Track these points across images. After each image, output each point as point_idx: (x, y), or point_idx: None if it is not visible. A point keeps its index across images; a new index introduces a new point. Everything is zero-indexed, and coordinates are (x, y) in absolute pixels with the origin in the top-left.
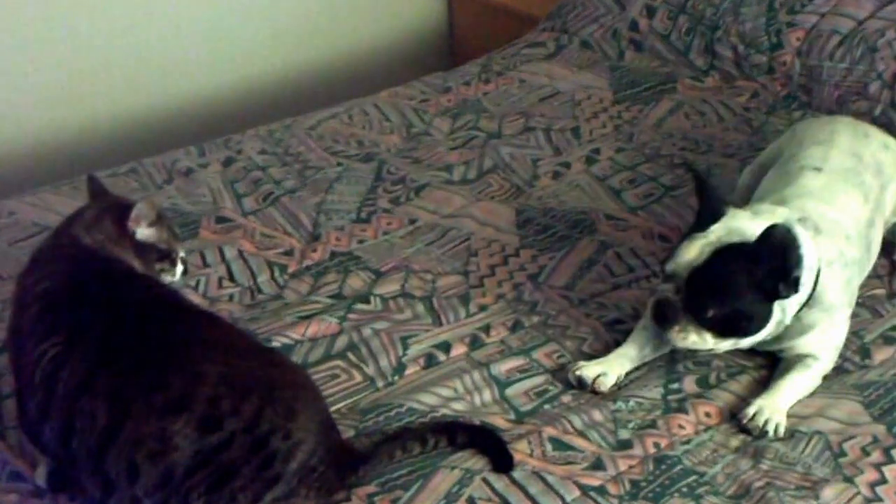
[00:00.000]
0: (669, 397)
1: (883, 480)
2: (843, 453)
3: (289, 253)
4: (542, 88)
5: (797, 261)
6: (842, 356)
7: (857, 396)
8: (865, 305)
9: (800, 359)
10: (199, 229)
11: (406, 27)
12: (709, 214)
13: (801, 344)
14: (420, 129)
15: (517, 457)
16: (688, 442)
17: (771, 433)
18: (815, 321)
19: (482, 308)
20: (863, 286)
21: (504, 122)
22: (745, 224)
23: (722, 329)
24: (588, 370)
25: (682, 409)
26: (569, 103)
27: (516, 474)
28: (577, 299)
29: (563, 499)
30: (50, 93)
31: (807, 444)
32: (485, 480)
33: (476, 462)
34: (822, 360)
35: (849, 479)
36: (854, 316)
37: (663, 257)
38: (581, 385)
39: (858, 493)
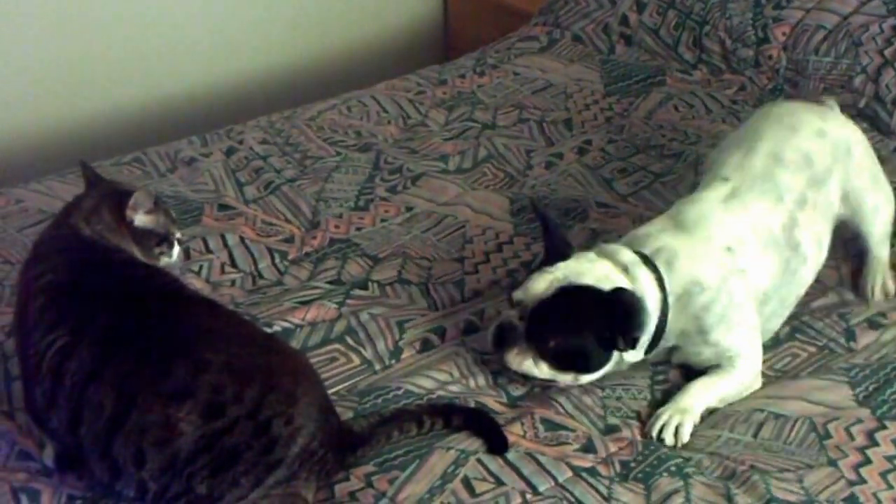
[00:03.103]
0: (655, 388)
1: (867, 462)
2: (827, 435)
3: (289, 240)
4: (535, 81)
5: (640, 325)
6: (827, 338)
7: (843, 377)
8: (848, 288)
9: (715, 367)
10: (202, 216)
11: (403, 22)
12: (556, 252)
13: (703, 360)
14: (416, 121)
15: (511, 438)
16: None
17: (668, 440)
18: (681, 345)
19: (476, 293)
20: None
21: (498, 114)
22: (589, 267)
23: (558, 362)
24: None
25: (667, 401)
26: (561, 96)
27: (510, 455)
28: None
29: (555, 479)
30: (55, 83)
31: (792, 428)
32: (479, 461)
33: (471, 443)
34: (738, 369)
35: (833, 463)
36: (845, 304)
37: (512, 287)
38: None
39: (842, 476)
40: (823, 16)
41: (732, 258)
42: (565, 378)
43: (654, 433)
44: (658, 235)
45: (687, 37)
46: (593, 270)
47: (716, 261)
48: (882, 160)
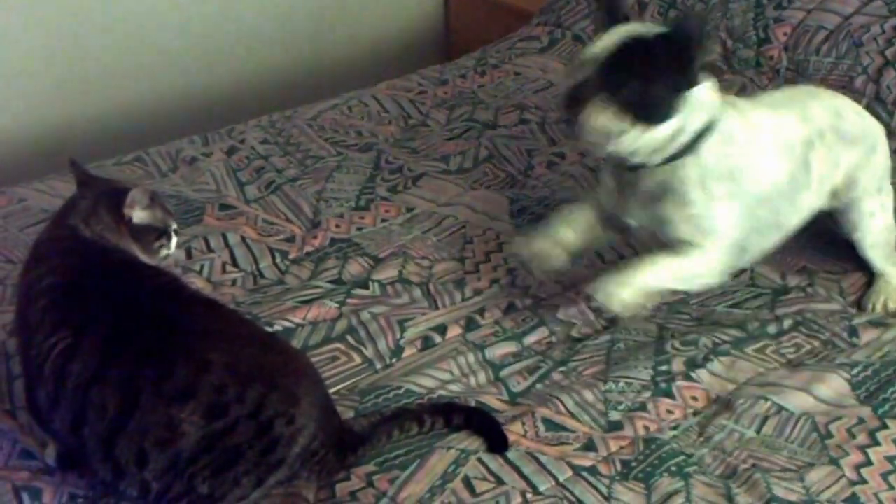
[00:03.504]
0: (658, 378)
1: (868, 462)
2: (829, 435)
3: (290, 239)
4: (536, 81)
5: (702, 50)
6: (830, 332)
7: (845, 374)
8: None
9: (678, 243)
10: (204, 216)
11: (404, 22)
12: (614, 17)
13: (681, 218)
14: (417, 120)
15: (511, 437)
16: (675, 427)
17: (604, 307)
18: (689, 176)
19: (477, 292)
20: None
21: (499, 114)
22: (653, 26)
23: (633, 108)
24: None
25: (669, 394)
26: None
27: (510, 454)
28: (569, 282)
29: (556, 479)
30: (57, 83)
31: (794, 426)
32: (480, 460)
33: (472, 443)
34: (702, 248)
35: (834, 462)
36: (842, 311)
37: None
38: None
39: (843, 475)
40: (824, 16)
41: (758, 134)
42: (646, 130)
43: (588, 293)
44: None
45: None
46: (654, 28)
47: (747, 130)
48: None
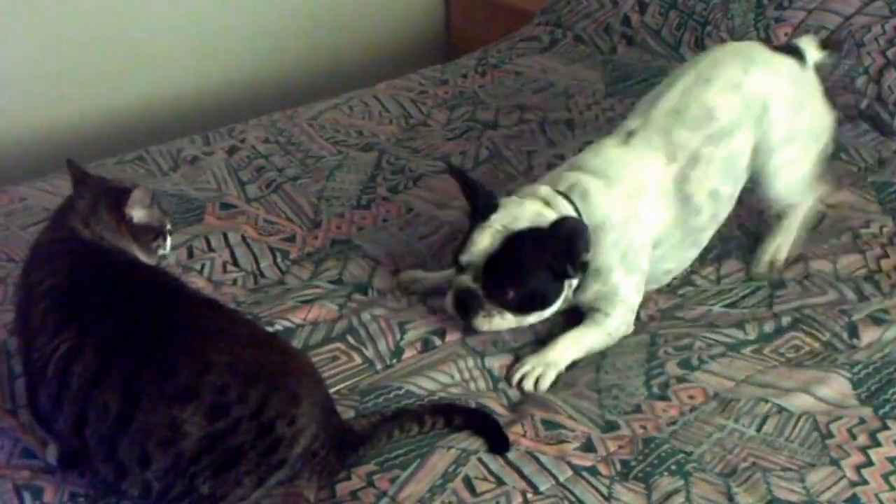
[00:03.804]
0: (652, 382)
1: (869, 463)
2: (830, 435)
3: (291, 239)
4: (536, 81)
5: (585, 247)
6: (830, 332)
7: (846, 373)
8: (846, 283)
9: (592, 313)
10: (204, 215)
11: (405, 22)
12: (486, 205)
13: (589, 296)
14: (418, 120)
15: (511, 437)
16: (674, 423)
17: (528, 387)
18: (587, 282)
19: None
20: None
21: (500, 114)
22: (520, 210)
23: (521, 308)
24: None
25: (665, 398)
26: (562, 96)
27: (510, 454)
28: None
29: (556, 478)
30: (58, 82)
31: (795, 425)
32: (480, 460)
33: (472, 443)
34: (611, 316)
35: (835, 462)
36: (844, 301)
37: (454, 250)
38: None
39: (844, 476)
40: (825, 16)
41: (632, 202)
42: (530, 319)
43: (515, 381)
44: (568, 175)
45: (689, 37)
46: (525, 212)
47: (619, 203)
48: (883, 161)
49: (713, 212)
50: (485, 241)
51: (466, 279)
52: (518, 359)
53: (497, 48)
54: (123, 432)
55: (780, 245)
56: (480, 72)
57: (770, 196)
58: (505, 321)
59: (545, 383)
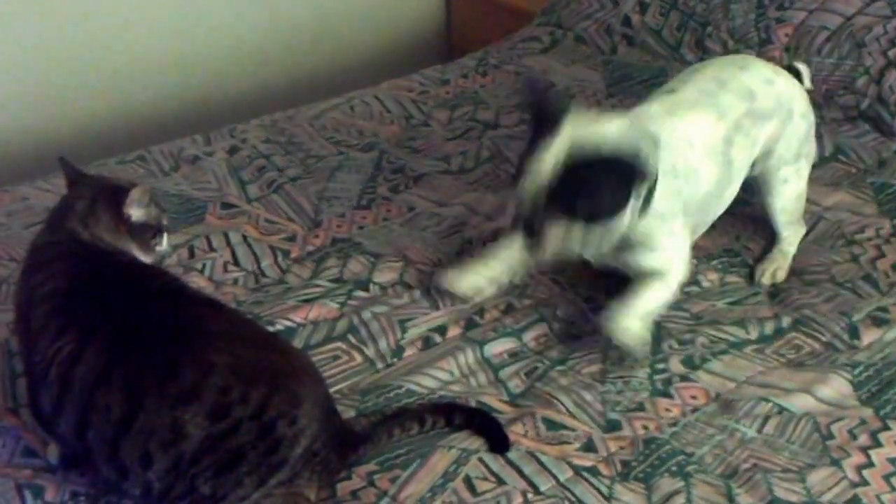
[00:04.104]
0: (655, 377)
1: (870, 464)
2: (830, 435)
3: (291, 238)
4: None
5: (649, 154)
6: (831, 333)
7: (846, 374)
8: (843, 286)
9: (650, 273)
10: (205, 215)
11: (405, 22)
12: (551, 115)
13: (646, 259)
14: (419, 120)
15: (512, 437)
16: (675, 424)
17: (626, 341)
18: (651, 228)
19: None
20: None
21: (501, 114)
22: (590, 129)
23: (589, 215)
24: (462, 285)
25: (667, 394)
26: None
27: (511, 454)
28: (567, 283)
29: (556, 479)
30: (60, 82)
31: (795, 427)
32: (481, 460)
33: (472, 442)
34: (672, 272)
35: (836, 463)
36: (834, 296)
37: (519, 160)
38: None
39: (845, 476)
40: (827, 17)
41: (692, 153)
42: (599, 231)
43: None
44: (636, 124)
45: (689, 38)
46: (595, 132)
47: (682, 153)
48: (884, 162)
49: (735, 189)
50: (550, 158)
51: (531, 191)
52: (520, 344)
53: (498, 48)
54: (125, 434)
55: (779, 268)
56: (481, 72)
57: (775, 207)
58: (573, 235)
59: (633, 340)
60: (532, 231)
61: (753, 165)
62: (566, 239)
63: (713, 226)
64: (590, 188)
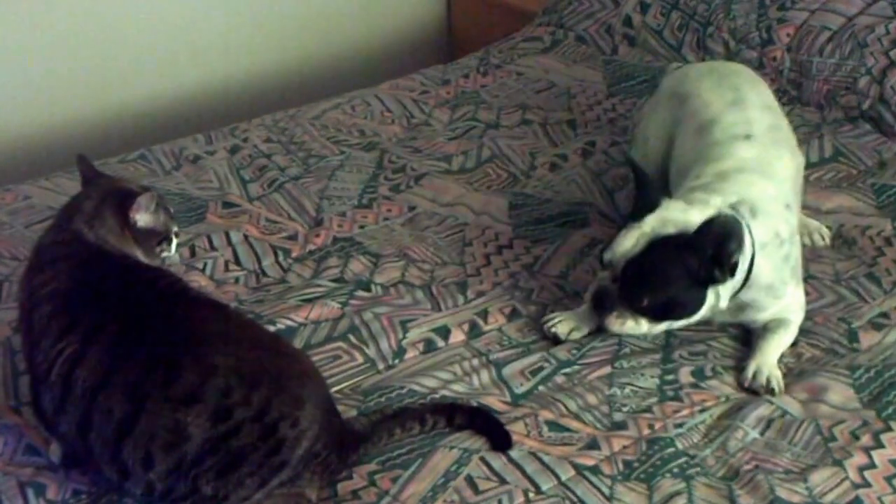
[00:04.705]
0: (665, 387)
1: (872, 465)
2: (832, 437)
3: (293, 237)
4: (538, 81)
5: (738, 246)
6: (830, 339)
7: (847, 378)
8: (849, 287)
9: (774, 322)
10: (207, 214)
11: (406, 22)
12: (645, 205)
13: (766, 316)
14: (420, 120)
15: (514, 437)
16: (681, 425)
17: (776, 388)
18: (758, 299)
19: (479, 294)
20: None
21: (502, 114)
22: (679, 215)
23: (655, 315)
24: (561, 327)
25: (677, 398)
26: (564, 96)
27: (513, 454)
28: (571, 289)
29: (558, 478)
30: (62, 81)
31: (797, 429)
32: (482, 460)
33: (474, 442)
34: (793, 320)
35: (838, 463)
36: (844, 306)
37: (602, 246)
38: (556, 341)
39: (847, 477)
40: (828, 17)
41: (791, 213)
42: (669, 326)
43: (763, 382)
44: (730, 189)
45: (690, 38)
46: (679, 217)
47: (783, 215)
48: (884, 163)
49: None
50: (629, 241)
51: (606, 278)
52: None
53: (499, 48)
54: (127, 435)
55: (811, 231)
56: (482, 72)
57: None
58: (638, 326)
59: (782, 384)
60: (600, 308)
61: None
62: (630, 330)
63: None
64: (657, 286)
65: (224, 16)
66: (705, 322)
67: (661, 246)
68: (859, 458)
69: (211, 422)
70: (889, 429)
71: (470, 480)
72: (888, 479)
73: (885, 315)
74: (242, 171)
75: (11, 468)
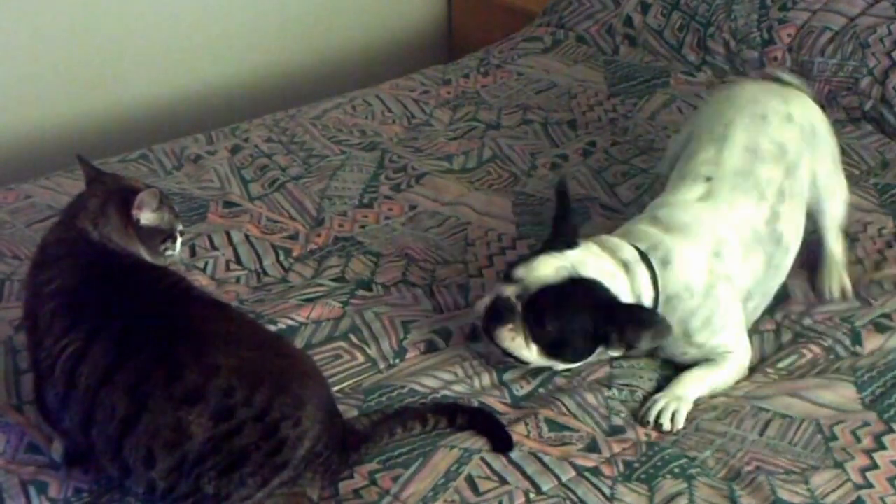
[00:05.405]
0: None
1: (874, 466)
2: (833, 437)
3: (293, 237)
4: (538, 82)
5: (649, 341)
6: (832, 339)
7: (849, 379)
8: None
9: (705, 361)
10: (208, 213)
11: (407, 22)
12: (563, 238)
13: (690, 357)
14: (421, 120)
15: (515, 437)
16: (675, 433)
17: (666, 425)
18: (676, 340)
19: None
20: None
21: (502, 114)
22: (594, 261)
23: (548, 347)
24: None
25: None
26: (565, 96)
27: (513, 454)
28: None
29: (558, 479)
30: (63, 81)
31: (797, 429)
32: (483, 460)
33: (475, 442)
34: (727, 361)
35: (839, 465)
36: (848, 308)
37: (514, 261)
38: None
39: (849, 479)
40: (830, 17)
41: (720, 263)
42: (548, 363)
43: (651, 418)
44: (652, 233)
45: (691, 38)
46: (598, 265)
47: (704, 266)
48: (887, 163)
49: (796, 249)
50: (548, 270)
51: (512, 290)
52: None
53: (499, 49)
54: (130, 433)
55: (842, 275)
56: (483, 72)
57: (826, 214)
58: (526, 351)
59: (681, 418)
60: (493, 318)
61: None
62: (519, 348)
63: None
64: (565, 322)
65: (225, 16)
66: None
67: (578, 286)
68: (861, 460)
69: (213, 421)
70: (891, 430)
71: (470, 480)
72: (890, 480)
73: (887, 316)
74: (243, 170)
75: (13, 466)
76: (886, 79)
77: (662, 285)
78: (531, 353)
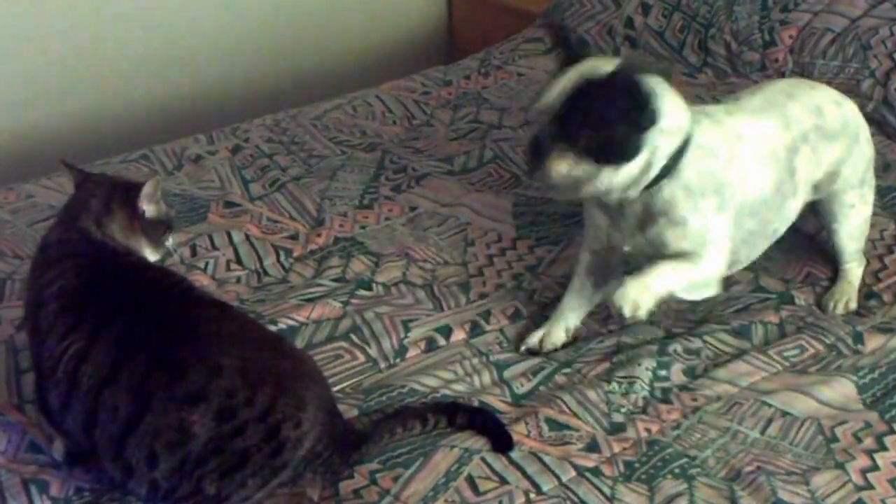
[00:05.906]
0: (656, 384)
1: (875, 468)
2: (835, 438)
3: (294, 237)
4: (539, 82)
5: (646, 98)
6: (835, 336)
7: (851, 378)
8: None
9: (684, 256)
10: (208, 213)
11: (408, 23)
12: (571, 58)
13: (672, 236)
14: (421, 121)
15: (515, 437)
16: (678, 426)
17: (626, 313)
18: (675, 198)
19: (482, 295)
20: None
21: (504, 115)
22: (608, 61)
23: (597, 150)
24: (532, 338)
25: (667, 400)
26: None
27: (514, 454)
28: None
29: (559, 479)
30: (64, 81)
31: (799, 429)
32: (483, 460)
33: (475, 442)
34: (703, 257)
35: (840, 466)
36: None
37: (528, 103)
38: (534, 353)
39: (849, 480)
40: (831, 19)
41: (739, 144)
42: (610, 174)
43: (616, 307)
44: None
45: (692, 40)
46: (610, 64)
47: (728, 142)
48: (888, 166)
49: (800, 203)
50: (562, 83)
51: (542, 122)
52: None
53: (499, 50)
54: (132, 433)
55: (850, 300)
56: (483, 73)
57: (842, 234)
58: (579, 167)
59: (643, 311)
60: (537, 156)
61: (818, 188)
62: (571, 174)
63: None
64: (595, 120)
65: (226, 16)
66: (620, 254)
67: (594, 87)
68: (862, 461)
69: (215, 421)
70: (893, 431)
71: (471, 480)
72: (892, 482)
73: (890, 321)
74: (244, 170)
75: (15, 465)
76: (888, 81)
77: (696, 134)
78: (584, 169)
